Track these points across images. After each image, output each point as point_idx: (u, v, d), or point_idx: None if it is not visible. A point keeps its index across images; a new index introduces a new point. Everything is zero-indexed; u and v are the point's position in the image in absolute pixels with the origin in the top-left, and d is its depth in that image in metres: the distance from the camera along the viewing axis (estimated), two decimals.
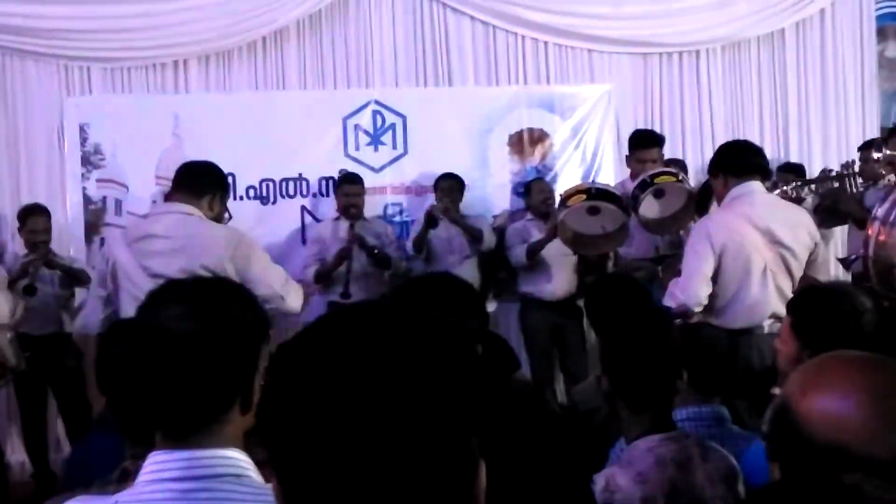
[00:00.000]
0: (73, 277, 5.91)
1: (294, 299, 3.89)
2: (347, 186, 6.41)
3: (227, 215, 4.50)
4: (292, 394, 0.89)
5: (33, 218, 6.00)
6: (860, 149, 6.11)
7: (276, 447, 0.91)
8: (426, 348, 0.89)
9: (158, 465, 1.45)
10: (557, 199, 5.82)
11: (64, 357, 5.86)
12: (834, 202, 5.46)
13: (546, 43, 7.42)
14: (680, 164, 6.44)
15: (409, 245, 6.56)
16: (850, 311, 2.52)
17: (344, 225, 6.29)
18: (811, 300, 2.72)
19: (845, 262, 5.41)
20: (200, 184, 4.00)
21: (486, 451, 0.92)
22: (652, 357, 2.41)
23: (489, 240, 6.52)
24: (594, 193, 5.38)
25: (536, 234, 6.30)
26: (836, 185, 5.32)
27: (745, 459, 2.46)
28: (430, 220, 6.37)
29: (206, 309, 1.52)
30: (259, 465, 1.51)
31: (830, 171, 6.27)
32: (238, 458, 1.48)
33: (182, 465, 1.43)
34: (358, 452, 0.85)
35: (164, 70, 6.97)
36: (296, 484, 0.90)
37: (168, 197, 4.14)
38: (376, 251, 6.22)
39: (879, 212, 3.70)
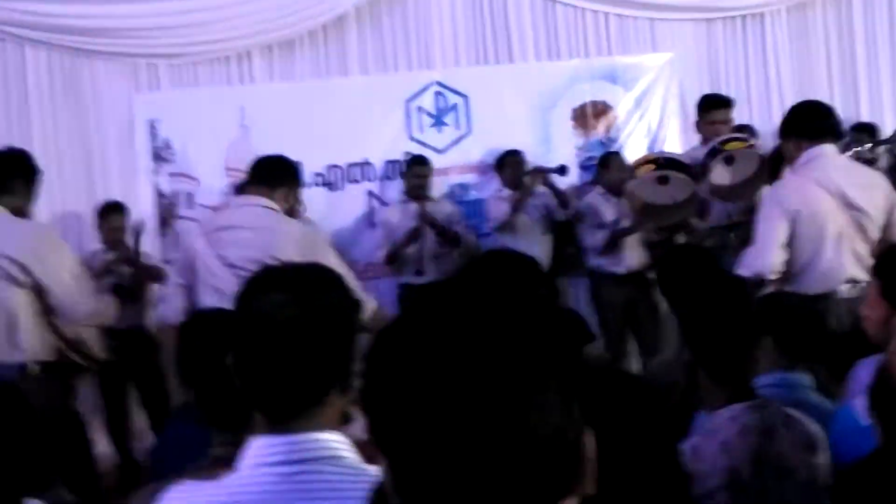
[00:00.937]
0: (152, 276, 6.03)
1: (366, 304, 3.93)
2: (416, 167, 6.47)
3: (301, 207, 4.58)
4: (396, 375, 0.91)
5: (113, 216, 6.13)
6: None
7: (382, 429, 0.93)
8: (519, 321, 0.91)
9: (262, 449, 1.49)
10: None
11: (143, 349, 5.99)
12: None
13: (606, 14, 7.36)
14: (749, 130, 6.34)
15: (504, 205, 6.50)
16: None
17: (412, 207, 6.34)
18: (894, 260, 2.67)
19: None
20: (274, 177, 4.10)
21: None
22: (730, 325, 2.39)
23: (573, 206, 6.53)
24: (663, 163, 5.34)
25: (608, 211, 6.27)
26: None
27: (833, 427, 2.43)
28: (562, 170, 6.43)
29: (307, 296, 1.55)
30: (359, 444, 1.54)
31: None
32: (337, 441, 1.51)
33: (285, 450, 1.47)
34: (460, 428, 0.87)
35: (228, 62, 7.06)
36: (403, 462, 0.92)
37: (243, 190, 4.23)
38: (446, 230, 6.26)
39: None
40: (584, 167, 7.04)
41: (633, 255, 6.27)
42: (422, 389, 0.89)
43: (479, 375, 0.87)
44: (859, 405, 2.42)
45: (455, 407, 0.87)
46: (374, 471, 1.42)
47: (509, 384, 0.87)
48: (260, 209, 3.99)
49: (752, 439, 2.23)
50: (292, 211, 4.19)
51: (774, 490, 2.19)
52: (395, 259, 6.32)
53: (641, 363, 6.28)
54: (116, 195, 6.60)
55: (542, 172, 6.48)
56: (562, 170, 6.48)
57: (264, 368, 1.52)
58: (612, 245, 6.21)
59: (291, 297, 1.54)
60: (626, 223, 6.16)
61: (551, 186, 6.51)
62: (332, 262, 3.99)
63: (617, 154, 6.73)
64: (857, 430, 2.30)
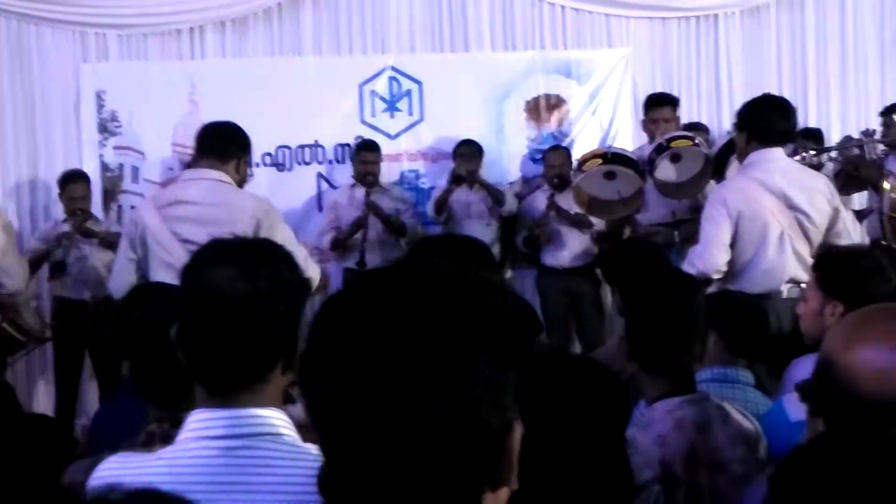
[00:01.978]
0: (111, 244, 5.94)
1: (313, 273, 3.92)
2: (364, 153, 6.42)
3: (249, 174, 4.54)
4: (332, 352, 0.91)
5: (72, 185, 6.06)
6: (882, 114, 6.07)
7: (316, 403, 0.93)
8: (461, 302, 0.91)
9: (202, 423, 1.48)
10: (574, 164, 5.81)
11: (102, 321, 5.90)
12: (854, 168, 5.43)
13: (563, 7, 7.36)
14: (702, 129, 6.41)
15: (430, 206, 6.56)
16: (873, 268, 2.53)
17: (360, 192, 6.31)
18: (834, 257, 2.72)
19: (860, 214, 5.39)
20: (226, 148, 4.04)
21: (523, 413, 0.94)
22: (667, 320, 2.41)
23: (510, 203, 6.52)
24: (610, 157, 5.37)
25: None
26: (857, 151, 5.30)
27: (764, 423, 2.47)
28: (457, 179, 6.39)
29: (255, 270, 1.53)
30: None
31: (850, 137, 6.24)
32: (277, 417, 1.50)
33: (225, 424, 1.46)
34: (391, 406, 0.87)
35: (180, 36, 6.96)
36: (331, 442, 0.92)
37: (194, 162, 4.16)
38: (391, 219, 6.24)
39: (892, 167, 3.68)
40: (535, 159, 7.05)
41: (576, 249, 6.30)
42: (344, 369, 0.89)
43: (403, 356, 0.87)
44: (789, 402, 2.46)
45: (376, 386, 0.87)
46: (314, 450, 1.41)
47: (432, 366, 0.87)
48: (213, 183, 3.94)
49: (687, 433, 2.25)
50: (244, 181, 4.13)
51: (707, 484, 2.22)
52: (339, 246, 6.28)
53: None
54: (60, 166, 6.50)
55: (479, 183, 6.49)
56: (457, 179, 6.44)
57: (209, 342, 1.50)
58: (532, 243, 6.25)
59: (239, 271, 1.52)
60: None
61: (483, 185, 6.49)
62: (286, 236, 3.97)
63: (555, 147, 6.77)
64: (786, 425, 2.34)
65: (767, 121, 4.23)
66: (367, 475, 0.90)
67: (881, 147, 5.03)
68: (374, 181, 6.35)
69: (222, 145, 4.04)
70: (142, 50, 6.93)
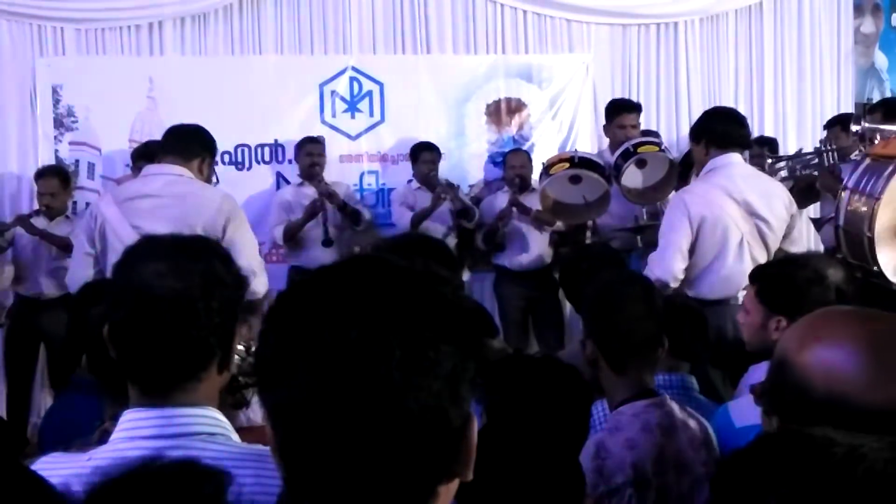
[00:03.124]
0: (55, 244, 5.86)
1: (261, 283, 3.91)
2: (310, 146, 6.39)
3: (214, 179, 4.51)
4: (292, 352, 0.91)
5: (41, 180, 6.05)
6: (826, 126, 6.16)
7: (279, 404, 0.93)
8: (417, 293, 0.92)
9: (133, 422, 1.45)
10: (539, 168, 5.81)
11: (56, 318, 5.81)
12: (809, 182, 5.51)
13: (525, 12, 7.39)
14: (654, 136, 6.45)
15: (406, 222, 6.47)
16: (812, 279, 2.56)
17: (308, 189, 6.27)
18: (773, 271, 2.75)
19: (817, 223, 5.46)
20: (190, 147, 4.04)
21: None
22: (639, 319, 2.43)
23: (478, 215, 6.53)
24: (577, 162, 5.38)
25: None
26: (813, 159, 5.37)
27: (715, 426, 2.49)
28: (437, 197, 6.34)
29: (187, 266, 1.51)
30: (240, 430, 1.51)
31: (801, 150, 6.33)
32: (213, 417, 1.48)
33: (157, 423, 1.44)
34: (359, 402, 0.87)
35: (138, 32, 6.88)
36: (296, 440, 0.92)
37: (157, 160, 4.12)
38: (346, 205, 6.23)
39: (850, 182, 3.73)
40: (496, 163, 7.07)
41: (535, 253, 6.32)
42: (309, 368, 0.89)
43: (369, 349, 0.88)
44: (734, 407, 2.49)
45: (344, 382, 0.88)
46: (251, 450, 1.40)
47: (399, 358, 0.88)
48: (176, 177, 3.91)
49: (654, 436, 2.27)
50: (207, 182, 4.11)
51: (674, 486, 2.24)
52: (293, 237, 6.22)
53: None
54: (14, 161, 6.42)
55: (452, 189, 6.46)
56: (466, 214, 6.38)
57: (139, 340, 1.48)
58: (491, 239, 6.24)
59: (169, 267, 1.49)
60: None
61: (457, 201, 6.47)
62: (250, 235, 3.95)
63: (515, 150, 6.78)
64: (731, 431, 2.36)
65: (724, 126, 4.29)
66: (331, 473, 0.90)
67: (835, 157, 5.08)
68: (321, 173, 6.31)
69: (186, 143, 4.05)
70: (99, 45, 6.84)
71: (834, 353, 1.29)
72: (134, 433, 1.44)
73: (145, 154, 5.13)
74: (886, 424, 1.16)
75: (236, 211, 3.97)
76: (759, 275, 2.75)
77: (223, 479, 1.00)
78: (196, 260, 1.53)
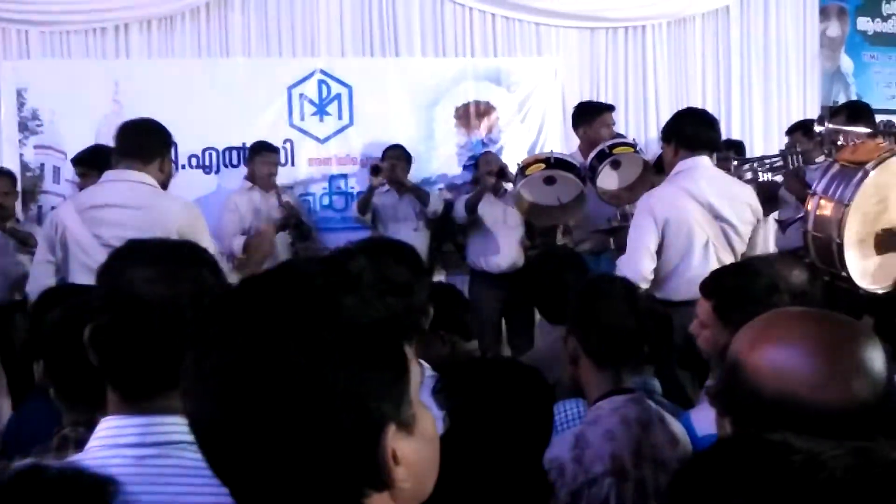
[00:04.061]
0: (24, 244, 5.78)
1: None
2: (266, 154, 6.32)
3: (174, 170, 4.45)
4: (196, 365, 0.94)
5: None
6: (788, 132, 6.22)
7: (189, 416, 0.96)
8: (306, 310, 0.92)
9: (113, 430, 1.42)
10: (515, 168, 5.80)
11: (16, 325, 5.73)
12: (771, 191, 5.55)
13: (493, 15, 7.42)
14: (622, 138, 6.48)
15: (353, 207, 6.51)
16: (767, 287, 2.55)
17: (258, 195, 6.23)
18: (728, 280, 2.71)
19: (783, 225, 5.50)
20: (148, 148, 3.95)
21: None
22: (621, 315, 2.44)
23: (435, 203, 6.51)
24: (552, 163, 5.39)
25: (484, 206, 6.29)
26: (778, 162, 5.41)
27: None
28: (374, 170, 6.37)
29: (174, 273, 1.49)
30: None
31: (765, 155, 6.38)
32: None
33: (138, 431, 1.41)
34: (238, 416, 0.90)
35: (104, 35, 6.84)
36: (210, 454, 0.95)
37: (115, 163, 4.03)
38: (303, 222, 6.24)
39: (819, 186, 3.77)
40: (466, 167, 7.07)
41: (509, 255, 6.31)
42: (207, 381, 0.93)
43: (257, 366, 0.90)
44: (696, 415, 2.49)
45: (221, 393, 0.91)
46: None
47: (279, 375, 0.89)
48: (137, 185, 3.84)
49: (633, 430, 2.28)
50: (169, 178, 4.04)
51: (651, 480, 2.25)
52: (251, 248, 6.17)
53: None
54: None
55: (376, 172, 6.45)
56: (374, 170, 6.42)
57: (124, 345, 1.45)
58: (472, 211, 6.22)
59: (159, 273, 1.48)
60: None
61: (411, 188, 6.47)
62: (209, 242, 3.90)
63: (487, 152, 6.79)
64: (692, 439, 2.37)
65: (693, 128, 4.31)
66: (245, 487, 0.94)
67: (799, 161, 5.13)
68: (274, 182, 6.28)
69: (144, 146, 3.95)
70: (65, 47, 6.79)
71: (785, 354, 1.30)
72: (114, 441, 1.41)
73: (89, 161, 5.06)
74: (836, 424, 1.19)
75: (196, 221, 3.92)
76: (713, 289, 2.69)
77: (107, 490, 1.01)
78: (185, 267, 1.52)
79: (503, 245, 6.28)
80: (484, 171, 6.43)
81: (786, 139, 6.41)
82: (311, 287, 0.94)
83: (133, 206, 3.78)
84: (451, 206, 6.56)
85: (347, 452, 0.92)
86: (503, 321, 6.43)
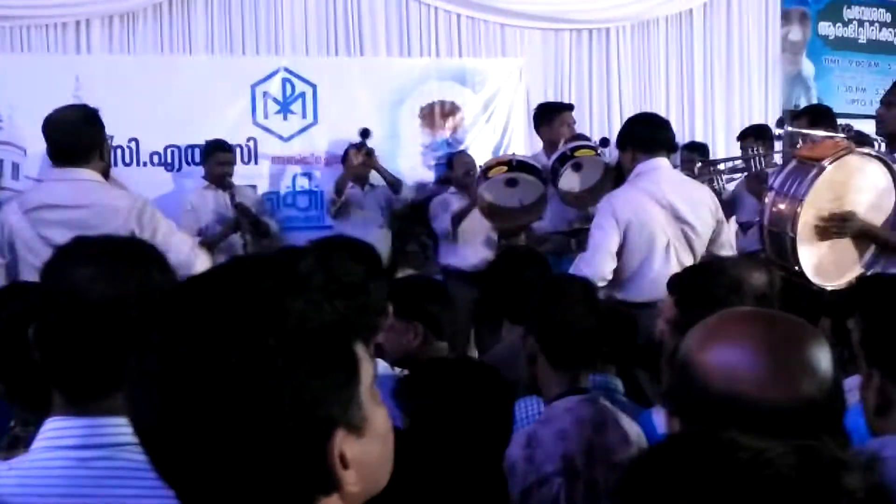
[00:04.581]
0: None
1: (202, 265, 3.80)
2: (221, 154, 6.28)
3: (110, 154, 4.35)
4: (135, 365, 0.94)
5: None
6: (739, 138, 6.26)
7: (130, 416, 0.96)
8: (249, 314, 0.90)
9: (57, 431, 1.40)
10: (478, 171, 5.81)
11: None
12: (734, 195, 5.61)
13: (459, 16, 7.42)
14: (585, 139, 6.50)
15: (329, 190, 6.45)
16: (729, 286, 2.58)
17: (215, 194, 6.20)
18: (691, 277, 2.76)
19: (744, 227, 5.56)
20: (85, 143, 3.81)
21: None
22: (580, 316, 2.45)
23: (406, 192, 6.51)
24: (514, 165, 5.41)
25: (458, 206, 6.28)
26: (741, 164, 5.47)
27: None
28: (364, 133, 6.36)
29: (122, 272, 1.46)
30: None
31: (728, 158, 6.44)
32: None
33: (82, 433, 1.38)
34: (177, 416, 0.89)
35: (65, 30, 6.75)
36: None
37: (55, 162, 3.92)
38: (259, 221, 6.18)
39: (775, 183, 3.80)
40: (437, 166, 7.08)
41: (479, 254, 6.29)
42: (146, 382, 0.92)
43: (195, 368, 0.88)
44: (657, 414, 2.51)
45: (160, 393, 0.90)
46: None
47: (217, 377, 0.88)
48: (82, 183, 3.75)
49: (585, 431, 2.29)
50: (108, 166, 3.97)
51: (603, 481, 2.25)
52: (209, 250, 6.09)
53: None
54: None
55: (359, 147, 6.40)
56: (364, 133, 6.41)
57: (68, 345, 1.42)
58: (456, 224, 6.21)
59: (103, 271, 1.45)
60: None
61: (378, 169, 6.47)
62: (170, 229, 3.83)
63: (462, 152, 6.78)
64: (653, 437, 2.39)
65: (649, 130, 4.34)
66: (187, 488, 0.93)
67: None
68: (230, 181, 6.24)
69: (82, 142, 3.81)
70: (25, 42, 6.70)
71: (733, 353, 1.31)
72: (57, 442, 1.38)
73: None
74: (782, 423, 1.20)
75: (147, 212, 3.79)
76: (676, 286, 2.74)
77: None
78: (133, 266, 1.49)
79: (475, 243, 6.26)
80: (460, 171, 6.41)
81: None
82: (256, 290, 0.91)
83: (78, 206, 3.69)
84: (418, 206, 6.55)
85: (294, 459, 0.90)
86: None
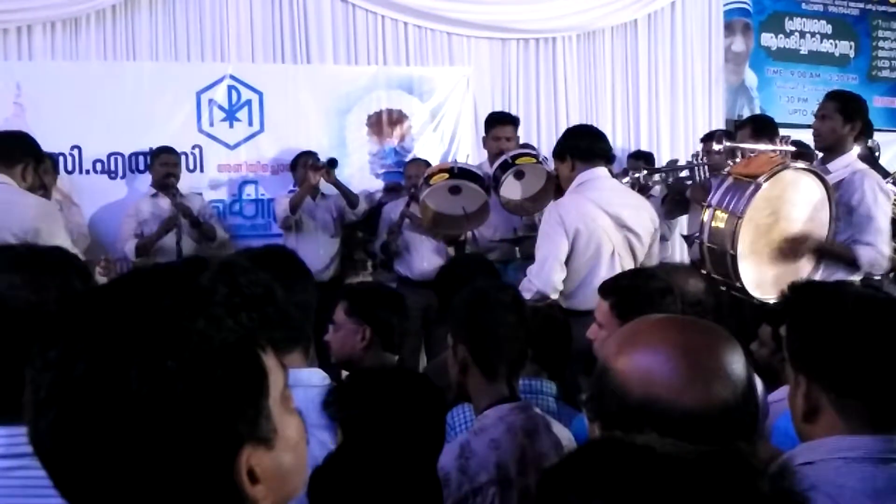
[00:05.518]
0: None
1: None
2: (165, 156, 6.26)
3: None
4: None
5: None
6: (703, 140, 6.36)
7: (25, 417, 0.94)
8: (153, 329, 0.88)
9: None
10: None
11: None
12: (679, 193, 5.66)
13: (406, 24, 7.44)
14: (531, 149, 6.54)
15: (284, 206, 6.37)
16: (663, 289, 2.62)
17: (163, 200, 6.16)
18: (625, 280, 2.79)
19: (689, 239, 5.62)
20: (11, 153, 4.07)
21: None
22: (511, 326, 2.46)
23: (361, 207, 6.52)
24: (456, 172, 5.41)
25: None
26: (685, 173, 5.53)
27: (573, 432, 2.54)
28: (332, 163, 6.38)
29: (42, 279, 1.45)
30: None
31: (676, 161, 6.51)
32: None
33: (5, 442, 1.37)
34: (79, 430, 0.87)
35: (6, 35, 6.65)
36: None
37: None
38: (202, 222, 6.14)
39: (713, 199, 3.86)
40: (377, 175, 7.07)
41: (426, 261, 6.29)
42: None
43: (95, 379, 0.86)
44: None
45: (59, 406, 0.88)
46: None
47: (117, 392, 0.86)
48: None
49: (517, 438, 2.30)
50: (33, 189, 4.19)
51: (535, 487, 2.26)
52: (146, 251, 6.07)
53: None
54: None
55: (319, 167, 6.38)
56: (331, 163, 6.41)
57: None
58: (386, 249, 6.23)
59: (24, 279, 1.44)
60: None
61: (337, 185, 6.47)
62: (65, 241, 3.93)
63: (415, 160, 6.75)
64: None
65: (587, 141, 4.38)
66: None
67: (707, 171, 5.24)
68: (175, 185, 6.20)
69: (7, 150, 4.08)
70: None
71: (649, 359, 1.34)
72: None
73: None
74: (698, 427, 1.23)
75: (51, 218, 4.03)
76: (611, 288, 2.77)
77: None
78: (53, 273, 1.48)
79: (425, 251, 6.26)
80: (408, 183, 6.38)
81: (693, 149, 6.55)
82: (156, 309, 0.89)
83: None
84: (368, 213, 6.55)
85: (200, 478, 0.88)
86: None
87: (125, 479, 0.86)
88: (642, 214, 4.34)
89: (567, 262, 4.21)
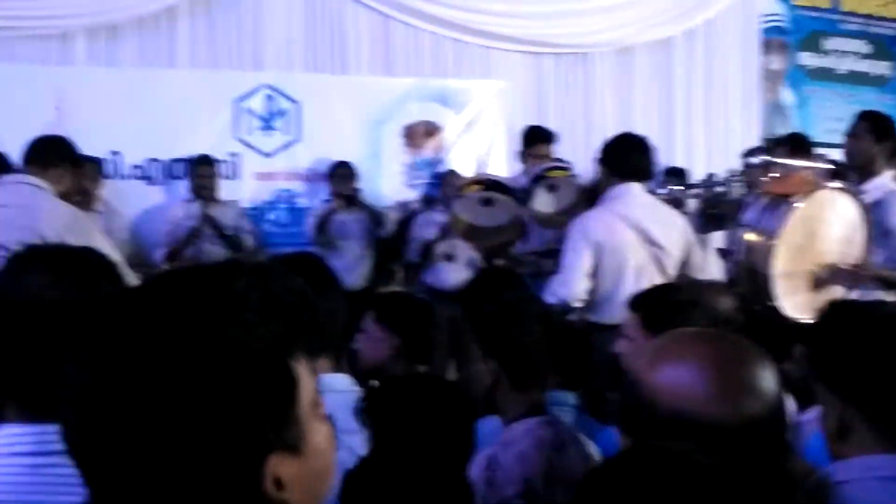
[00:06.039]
0: None
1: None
2: (201, 168, 6.35)
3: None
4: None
5: None
6: (744, 155, 6.31)
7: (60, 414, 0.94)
8: (182, 335, 0.88)
9: (10, 438, 1.40)
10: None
11: None
12: (713, 206, 5.63)
13: (442, 37, 7.46)
14: (564, 163, 6.52)
15: (312, 226, 6.45)
16: (689, 301, 2.60)
17: (196, 207, 6.23)
18: (653, 294, 2.77)
19: (723, 253, 5.58)
20: (47, 157, 4.03)
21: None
22: (540, 338, 2.46)
23: (389, 224, 6.54)
24: (489, 185, 5.42)
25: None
26: (721, 189, 5.50)
27: (598, 446, 2.53)
28: (338, 196, 6.42)
29: (73, 279, 1.46)
30: None
31: (713, 175, 6.46)
32: None
33: (35, 440, 1.38)
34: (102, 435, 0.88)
35: (48, 42, 6.74)
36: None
37: (17, 169, 4.10)
38: (227, 233, 6.18)
39: (748, 218, 3.84)
40: (411, 186, 7.09)
41: (460, 273, 6.29)
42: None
43: (128, 384, 0.87)
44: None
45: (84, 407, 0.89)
46: None
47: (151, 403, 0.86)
48: (25, 186, 3.88)
49: (545, 452, 2.29)
50: (68, 195, 4.11)
51: (562, 502, 2.26)
52: (174, 258, 6.14)
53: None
54: None
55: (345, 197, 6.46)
56: (378, 223, 6.51)
57: (20, 353, 1.43)
58: (425, 256, 6.24)
59: (55, 278, 1.45)
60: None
61: (367, 208, 6.49)
62: (103, 244, 3.90)
63: (453, 171, 6.77)
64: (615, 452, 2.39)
65: (627, 157, 4.36)
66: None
67: (743, 187, 5.21)
68: (210, 195, 6.28)
69: (43, 154, 4.05)
70: (7, 53, 6.68)
71: (680, 372, 1.34)
72: (11, 449, 1.39)
73: None
74: (726, 440, 1.23)
75: (80, 223, 3.97)
76: (640, 303, 2.75)
77: None
78: (83, 272, 1.49)
79: (461, 263, 6.26)
80: (450, 191, 6.38)
81: (728, 167, 6.51)
82: (190, 313, 0.89)
83: (16, 206, 3.80)
84: (403, 226, 6.57)
85: (226, 483, 0.88)
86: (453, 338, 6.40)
87: (153, 480, 0.87)
88: (672, 230, 4.31)
89: (592, 276, 4.22)
